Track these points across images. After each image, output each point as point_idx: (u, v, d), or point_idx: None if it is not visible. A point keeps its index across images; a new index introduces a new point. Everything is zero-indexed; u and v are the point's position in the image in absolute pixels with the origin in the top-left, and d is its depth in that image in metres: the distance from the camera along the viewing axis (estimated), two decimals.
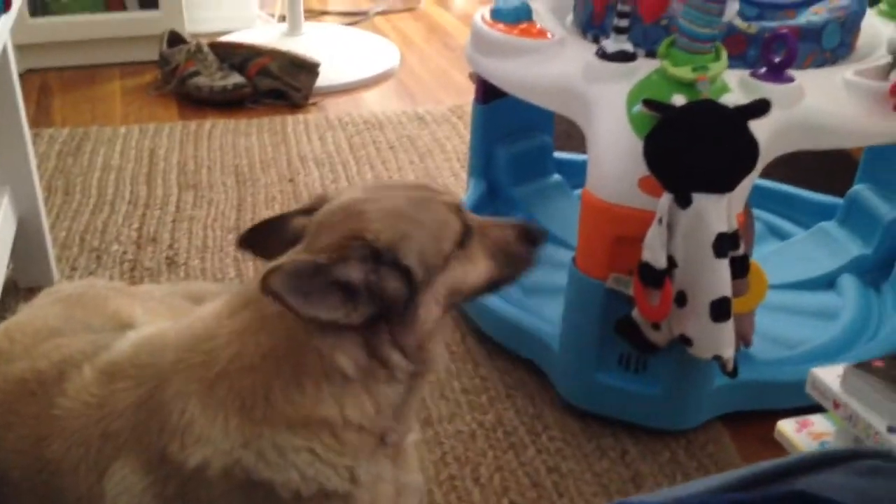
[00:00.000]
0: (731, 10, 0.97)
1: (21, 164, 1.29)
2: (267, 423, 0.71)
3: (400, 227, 0.73)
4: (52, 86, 2.16)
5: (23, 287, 1.33)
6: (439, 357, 0.79)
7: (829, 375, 0.89)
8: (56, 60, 2.24)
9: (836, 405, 0.87)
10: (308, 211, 0.78)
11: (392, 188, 0.79)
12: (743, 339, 1.13)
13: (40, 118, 1.97)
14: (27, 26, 2.10)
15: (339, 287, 0.70)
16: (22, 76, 1.29)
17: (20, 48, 1.30)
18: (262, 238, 0.80)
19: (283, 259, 0.71)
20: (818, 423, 0.97)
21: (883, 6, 1.21)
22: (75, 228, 1.53)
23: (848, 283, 1.30)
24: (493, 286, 0.82)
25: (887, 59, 1.03)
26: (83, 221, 1.55)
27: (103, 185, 1.68)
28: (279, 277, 0.68)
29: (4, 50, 1.20)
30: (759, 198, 1.46)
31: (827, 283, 1.32)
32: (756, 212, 1.47)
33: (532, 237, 0.82)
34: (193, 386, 0.72)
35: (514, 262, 0.82)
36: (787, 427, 0.97)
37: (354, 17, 2.73)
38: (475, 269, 0.79)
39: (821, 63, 1.04)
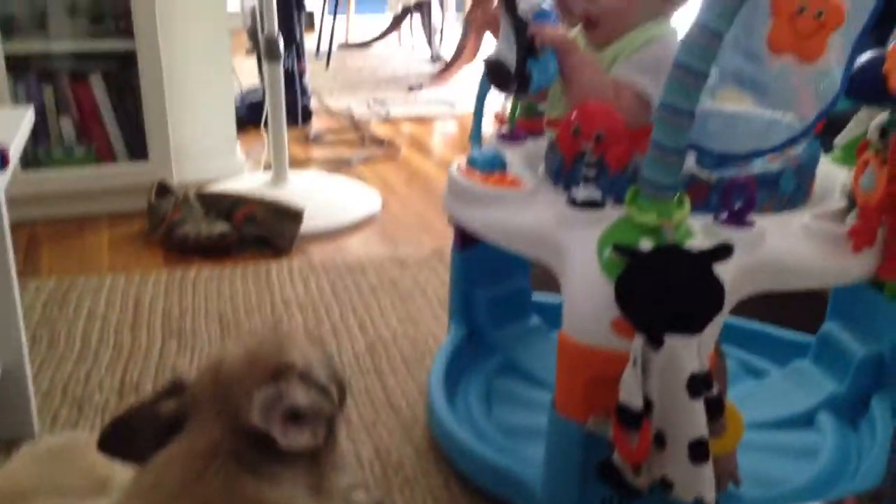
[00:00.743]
0: (690, 160, 1.03)
1: (8, 315, 1.30)
2: None
3: (299, 353, 0.78)
4: (40, 236, 2.20)
5: (2, 439, 1.31)
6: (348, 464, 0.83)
7: None
8: (46, 212, 2.29)
9: None
10: (170, 394, 0.78)
11: (250, 334, 0.83)
12: (731, 477, 1.13)
13: (28, 268, 2.00)
14: (18, 179, 2.15)
15: (293, 416, 0.73)
16: (11, 227, 1.32)
17: (10, 200, 1.34)
18: (127, 435, 0.77)
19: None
20: None
21: (837, 153, 1.28)
22: (58, 378, 1.53)
23: (826, 420, 1.31)
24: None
25: (842, 203, 1.08)
26: (66, 371, 1.55)
27: (88, 334, 1.69)
28: (260, 412, 0.70)
29: None
30: (735, 336, 1.49)
31: (805, 420, 1.33)
32: (732, 350, 1.50)
33: None
34: None
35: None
36: None
37: (337, 165, 2.83)
38: None
39: (779, 208, 1.09)
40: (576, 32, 1.20)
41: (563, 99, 1.17)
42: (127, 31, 2.23)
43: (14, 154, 1.15)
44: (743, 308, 1.02)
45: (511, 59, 1.08)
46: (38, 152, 2.28)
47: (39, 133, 2.27)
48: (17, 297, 1.32)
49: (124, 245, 2.17)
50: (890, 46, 0.97)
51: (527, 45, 1.07)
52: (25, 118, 1.28)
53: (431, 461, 1.31)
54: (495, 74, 1.11)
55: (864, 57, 1.02)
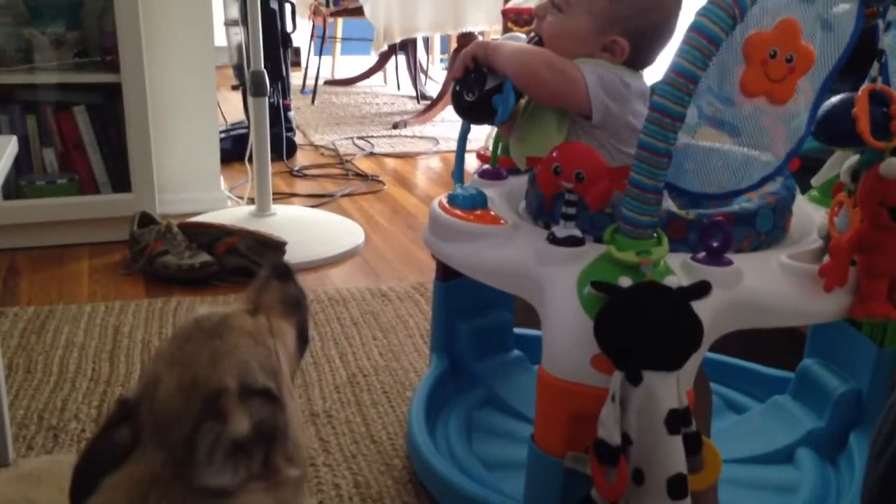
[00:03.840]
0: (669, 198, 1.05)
1: None
2: None
3: (233, 362, 0.75)
4: (19, 265, 2.19)
5: None
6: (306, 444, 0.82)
7: None
8: (26, 241, 2.28)
9: None
10: (121, 418, 0.76)
11: (185, 341, 0.78)
12: None
13: (6, 297, 1.99)
14: (0, 209, 2.15)
15: (235, 448, 0.71)
16: None
17: None
18: (94, 477, 0.75)
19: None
20: None
21: (814, 193, 1.30)
22: (34, 407, 1.51)
23: (805, 456, 1.31)
24: (302, 335, 0.87)
25: (819, 243, 1.10)
26: (43, 399, 1.54)
27: (65, 363, 1.68)
28: (205, 462, 0.69)
29: None
30: (715, 371, 1.49)
31: (784, 456, 1.34)
32: (713, 386, 1.51)
33: (283, 273, 0.88)
34: None
35: (297, 305, 0.87)
36: None
37: (321, 199, 2.84)
38: (289, 335, 0.84)
39: (757, 245, 1.10)
40: None
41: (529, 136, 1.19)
42: (113, 65, 2.24)
43: None
44: (722, 343, 1.03)
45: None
46: (20, 182, 2.28)
47: (23, 163, 2.27)
48: None
49: (105, 274, 2.16)
50: (860, 91, 0.99)
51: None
52: (8, 148, 1.28)
53: (412, 494, 1.30)
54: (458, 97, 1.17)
55: (834, 100, 1.04)
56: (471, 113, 1.17)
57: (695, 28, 0.86)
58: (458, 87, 1.15)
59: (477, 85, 1.13)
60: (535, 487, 1.07)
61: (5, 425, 1.34)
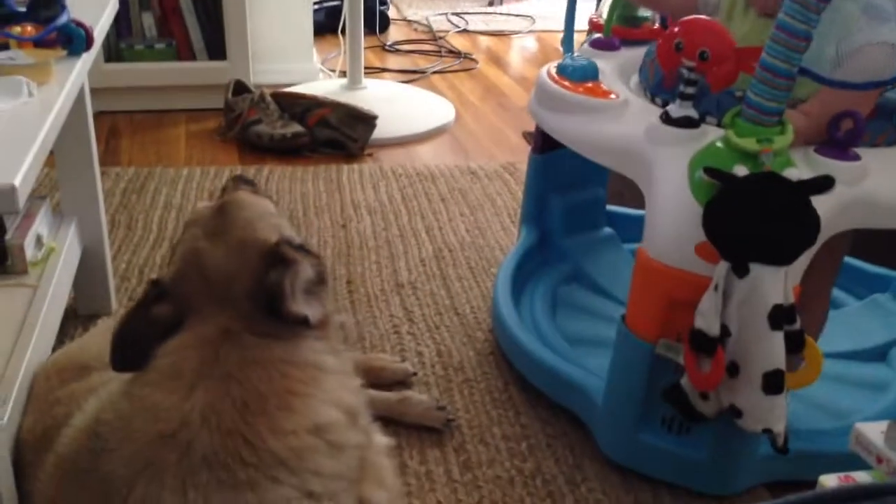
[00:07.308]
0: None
1: (89, 198, 1.34)
2: (250, 485, 0.70)
3: (268, 224, 0.81)
4: (121, 128, 2.24)
5: (82, 314, 1.37)
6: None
7: (874, 431, 0.86)
8: (126, 104, 2.33)
9: (879, 460, 0.85)
10: (156, 298, 0.78)
11: (210, 219, 0.81)
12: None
13: (108, 157, 2.04)
14: (101, 71, 2.19)
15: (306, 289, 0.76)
16: (94, 117, 1.34)
17: (94, 91, 1.36)
18: (134, 346, 0.77)
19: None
20: (861, 479, 0.93)
21: None
22: (135, 261, 1.57)
23: None
24: None
25: None
26: (143, 255, 1.60)
27: (163, 222, 1.73)
28: (295, 300, 0.74)
29: (82, 89, 1.25)
30: None
31: (878, 354, 1.30)
32: None
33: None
34: (168, 479, 0.70)
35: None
36: (829, 482, 0.94)
37: (412, 75, 2.79)
38: None
39: (893, 142, 1.03)
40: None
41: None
42: None
43: (98, 36, 1.14)
44: None
45: None
46: (120, 46, 2.30)
47: (122, 26, 2.29)
48: (98, 182, 1.35)
49: (201, 140, 2.19)
50: None
51: None
52: (109, 5, 1.28)
53: (492, 364, 1.32)
54: None
55: None
56: None
57: None
58: None
59: None
60: (621, 369, 1.06)
61: (108, 277, 1.40)
